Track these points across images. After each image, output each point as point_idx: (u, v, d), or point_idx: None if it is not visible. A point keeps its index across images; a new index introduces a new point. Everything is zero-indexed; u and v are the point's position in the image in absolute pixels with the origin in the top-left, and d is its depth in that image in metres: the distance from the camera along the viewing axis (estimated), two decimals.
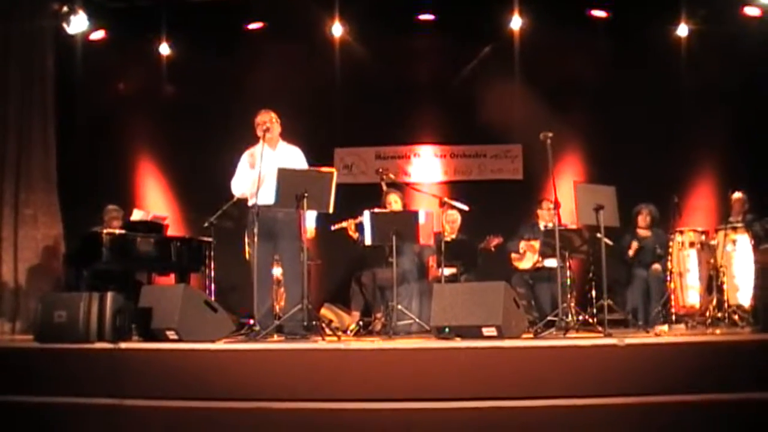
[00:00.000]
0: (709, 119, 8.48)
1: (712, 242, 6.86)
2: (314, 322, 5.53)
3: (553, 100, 8.62)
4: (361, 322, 6.95)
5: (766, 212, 6.85)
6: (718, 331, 5.95)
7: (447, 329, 5.15)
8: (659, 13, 8.46)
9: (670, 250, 6.89)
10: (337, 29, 8.80)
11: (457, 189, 8.76)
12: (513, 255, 7.53)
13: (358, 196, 7.37)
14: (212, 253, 7.53)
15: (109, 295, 5.08)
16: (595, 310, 6.33)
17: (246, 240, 6.47)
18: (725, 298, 6.56)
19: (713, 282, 6.69)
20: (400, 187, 7.58)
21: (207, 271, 7.55)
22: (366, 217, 6.39)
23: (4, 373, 4.65)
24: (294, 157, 6.05)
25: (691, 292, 6.77)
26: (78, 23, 8.01)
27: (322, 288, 8.57)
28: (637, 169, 7.98)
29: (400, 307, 6.20)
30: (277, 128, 5.99)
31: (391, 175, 7.51)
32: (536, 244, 7.32)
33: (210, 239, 7.46)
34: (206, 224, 7.14)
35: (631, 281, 7.43)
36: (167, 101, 9.25)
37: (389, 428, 4.21)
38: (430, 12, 8.94)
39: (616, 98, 8.57)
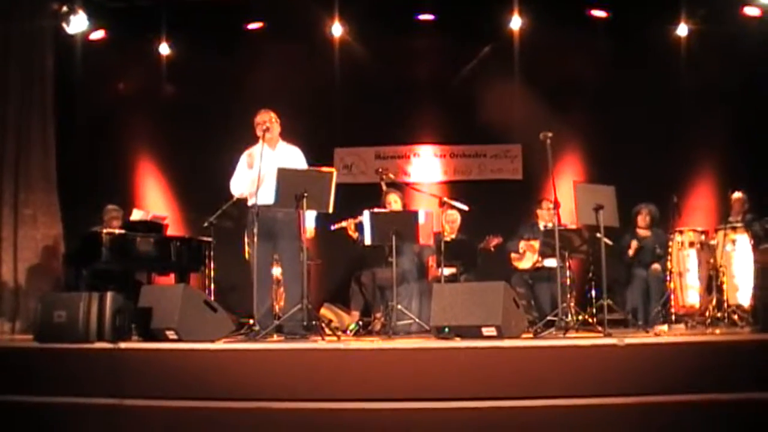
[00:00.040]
0: (709, 119, 8.49)
1: (712, 242, 6.86)
2: (314, 322, 5.53)
3: (552, 100, 8.62)
4: (360, 322, 6.95)
5: (766, 212, 6.84)
6: (717, 331, 5.95)
7: (447, 329, 5.15)
8: (659, 13, 8.46)
9: (670, 249, 6.90)
10: (337, 29, 8.80)
11: (456, 189, 8.76)
12: (513, 255, 7.53)
13: (358, 196, 7.37)
14: (212, 253, 7.53)
15: (109, 294, 5.08)
16: (594, 310, 6.34)
17: (246, 240, 6.48)
18: (725, 297, 6.57)
19: (713, 282, 6.70)
20: (400, 187, 7.58)
21: (207, 271, 7.55)
22: (366, 217, 6.39)
23: (4, 372, 4.65)
24: (294, 157, 6.04)
25: (690, 292, 6.77)
26: (78, 23, 8.00)
27: (322, 288, 8.57)
28: (636, 169, 7.98)
29: (399, 307, 6.20)
30: (276, 128, 5.99)
31: (391, 175, 7.51)
32: (536, 244, 7.32)
33: (210, 239, 7.46)
34: (206, 224, 7.15)
35: (630, 281, 7.43)
36: (167, 101, 9.25)
37: (389, 428, 4.21)
38: (429, 12, 8.94)
39: (615, 98, 8.57)
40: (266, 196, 5.62)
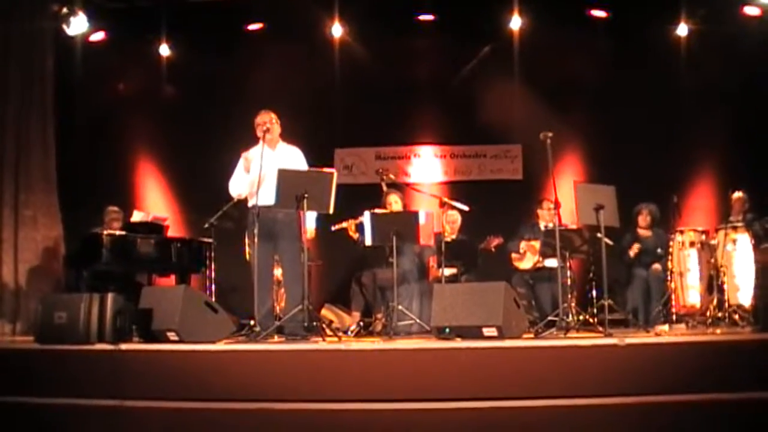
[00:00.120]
0: (709, 119, 8.49)
1: (713, 242, 6.86)
2: (315, 323, 5.53)
3: (553, 100, 8.63)
4: (361, 323, 6.94)
5: (766, 212, 6.84)
6: (718, 331, 5.95)
7: (447, 329, 5.14)
8: (659, 13, 8.46)
9: (671, 249, 6.90)
10: (337, 30, 8.80)
11: (457, 189, 8.76)
12: (513, 255, 7.53)
13: (359, 196, 7.36)
14: (212, 254, 7.53)
15: (110, 296, 5.08)
16: (595, 310, 6.33)
17: (246, 241, 6.48)
18: (726, 297, 6.57)
19: (714, 282, 6.70)
20: (401, 188, 7.58)
21: (207, 272, 7.55)
22: (366, 218, 6.38)
23: (5, 374, 4.65)
24: (294, 158, 6.05)
25: (691, 292, 6.77)
26: (78, 25, 8.00)
27: (323, 288, 8.57)
28: (637, 169, 7.97)
29: (400, 307, 6.20)
30: (277, 129, 5.99)
31: (391, 176, 7.51)
32: (536, 244, 7.32)
33: (210, 240, 7.46)
34: (206, 225, 7.14)
35: (631, 281, 7.42)
36: (167, 102, 9.26)
37: (390, 429, 4.21)
38: (430, 12, 8.94)
39: (616, 98, 8.57)
40: (267, 196, 5.62)
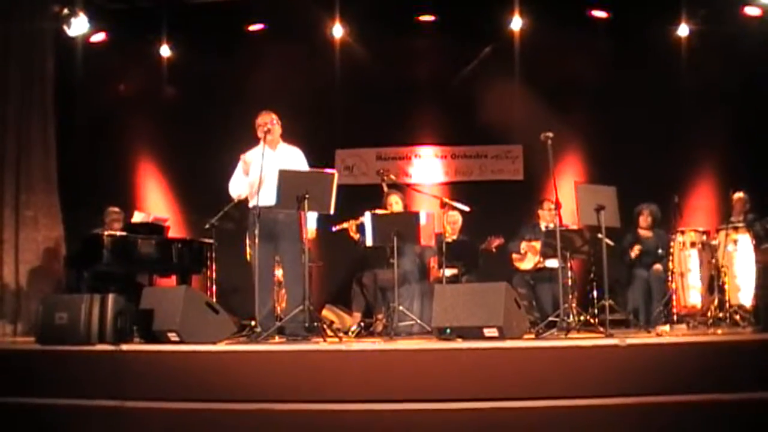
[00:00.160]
0: (709, 119, 8.48)
1: (714, 242, 6.85)
2: (315, 324, 5.52)
3: (553, 101, 8.62)
4: (362, 323, 6.94)
5: (767, 212, 6.84)
6: (719, 331, 5.95)
7: (448, 330, 5.14)
8: (659, 13, 8.45)
9: (672, 250, 6.89)
10: (338, 30, 8.80)
11: (457, 190, 8.76)
12: (514, 255, 7.52)
13: (359, 197, 7.35)
14: (213, 255, 7.53)
15: (110, 296, 5.08)
16: (596, 311, 6.32)
17: (247, 241, 6.48)
18: (726, 298, 6.57)
19: (714, 282, 6.69)
20: (401, 188, 7.58)
21: (208, 272, 7.55)
22: (367, 218, 6.38)
23: (6, 374, 4.66)
24: (295, 159, 6.05)
25: (692, 292, 6.77)
26: (78, 25, 7.99)
27: (324, 289, 8.57)
28: (637, 170, 7.97)
29: (401, 308, 6.20)
30: (277, 129, 5.99)
31: (392, 176, 7.49)
32: (537, 244, 7.31)
33: (211, 241, 7.46)
34: (207, 226, 7.13)
35: (632, 281, 7.41)
36: (168, 103, 9.26)
37: (391, 429, 4.21)
38: (430, 12, 8.94)
39: (616, 98, 8.57)
40: (267, 197, 5.62)
